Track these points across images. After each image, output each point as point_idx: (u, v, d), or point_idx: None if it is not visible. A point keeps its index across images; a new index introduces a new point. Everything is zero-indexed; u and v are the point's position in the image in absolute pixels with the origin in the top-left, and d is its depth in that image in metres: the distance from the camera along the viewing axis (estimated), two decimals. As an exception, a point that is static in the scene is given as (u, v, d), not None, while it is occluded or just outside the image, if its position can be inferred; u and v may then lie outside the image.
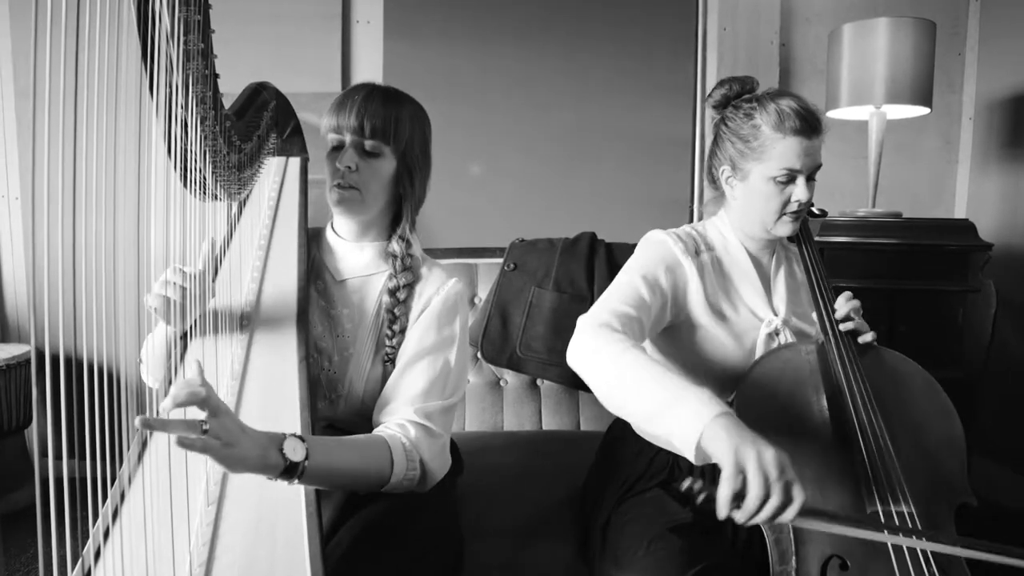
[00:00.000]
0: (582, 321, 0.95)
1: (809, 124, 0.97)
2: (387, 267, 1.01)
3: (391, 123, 0.96)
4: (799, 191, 0.98)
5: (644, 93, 2.24)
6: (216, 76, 0.78)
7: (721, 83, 1.08)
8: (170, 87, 0.67)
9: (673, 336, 1.05)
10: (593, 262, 1.60)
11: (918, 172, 2.38)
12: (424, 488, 0.93)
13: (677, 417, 0.78)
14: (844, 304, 1.00)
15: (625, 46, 2.24)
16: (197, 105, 0.72)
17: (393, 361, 0.97)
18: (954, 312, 1.72)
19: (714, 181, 1.11)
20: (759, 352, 1.00)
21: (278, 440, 0.71)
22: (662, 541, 0.88)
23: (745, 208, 1.04)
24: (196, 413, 0.64)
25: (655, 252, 1.04)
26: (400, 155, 0.99)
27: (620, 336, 0.89)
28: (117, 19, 0.57)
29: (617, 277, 1.03)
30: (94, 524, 0.66)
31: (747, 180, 1.02)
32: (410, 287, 0.99)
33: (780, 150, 0.97)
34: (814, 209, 1.19)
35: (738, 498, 0.71)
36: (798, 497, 0.70)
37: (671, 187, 2.28)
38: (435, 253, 1.16)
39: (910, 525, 0.77)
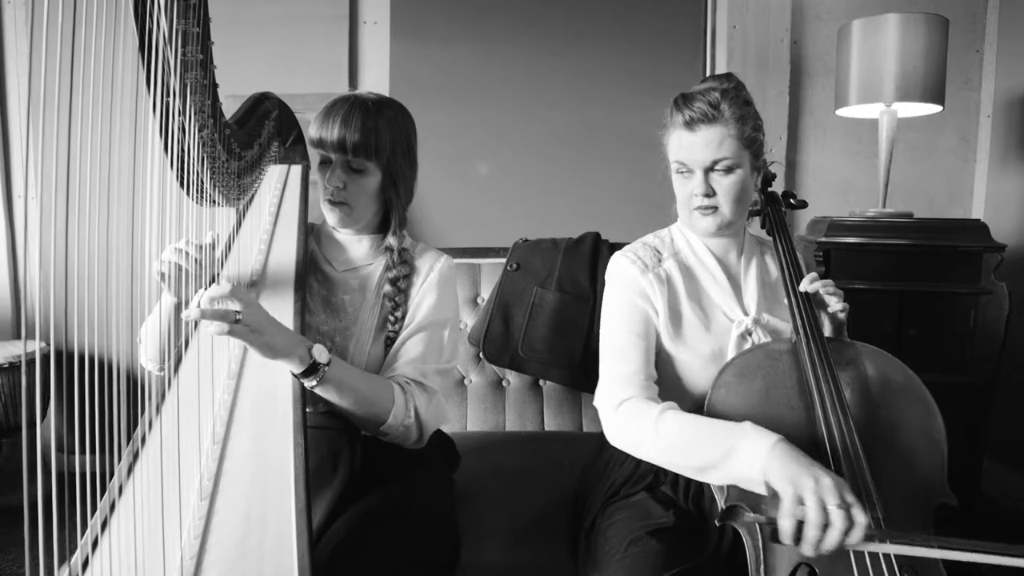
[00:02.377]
0: (601, 404, 0.99)
1: (688, 120, 0.97)
2: (384, 257, 1.09)
3: (372, 138, 1.00)
4: (695, 184, 0.99)
5: (651, 92, 2.23)
6: (216, 86, 0.80)
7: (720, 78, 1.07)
8: (168, 95, 0.69)
9: None
10: (596, 262, 1.60)
11: (934, 171, 2.33)
12: (421, 442, 1.02)
13: (736, 466, 0.81)
14: (809, 284, 0.98)
15: (633, 45, 2.22)
16: (196, 114, 0.74)
17: (395, 341, 1.05)
18: (965, 315, 1.68)
19: None
20: (731, 353, 0.99)
21: (308, 343, 0.86)
22: (640, 544, 0.88)
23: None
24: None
25: (623, 286, 1.05)
26: (384, 167, 1.04)
27: (641, 405, 0.93)
28: (114, 23, 0.59)
29: (606, 329, 1.04)
30: (91, 518, 0.68)
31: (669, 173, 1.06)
32: (408, 277, 1.08)
33: (671, 143, 1.02)
34: (792, 200, 1.17)
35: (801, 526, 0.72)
36: (860, 520, 0.71)
37: (679, 187, 2.27)
38: (439, 253, 1.20)
39: (875, 529, 0.75)
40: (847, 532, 0.70)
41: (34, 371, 1.86)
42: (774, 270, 1.10)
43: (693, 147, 0.97)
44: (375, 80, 2.22)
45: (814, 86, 2.29)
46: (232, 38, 2.13)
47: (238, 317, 0.77)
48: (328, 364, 0.87)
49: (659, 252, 1.07)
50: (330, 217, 1.06)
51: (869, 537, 0.71)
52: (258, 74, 2.09)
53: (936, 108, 1.79)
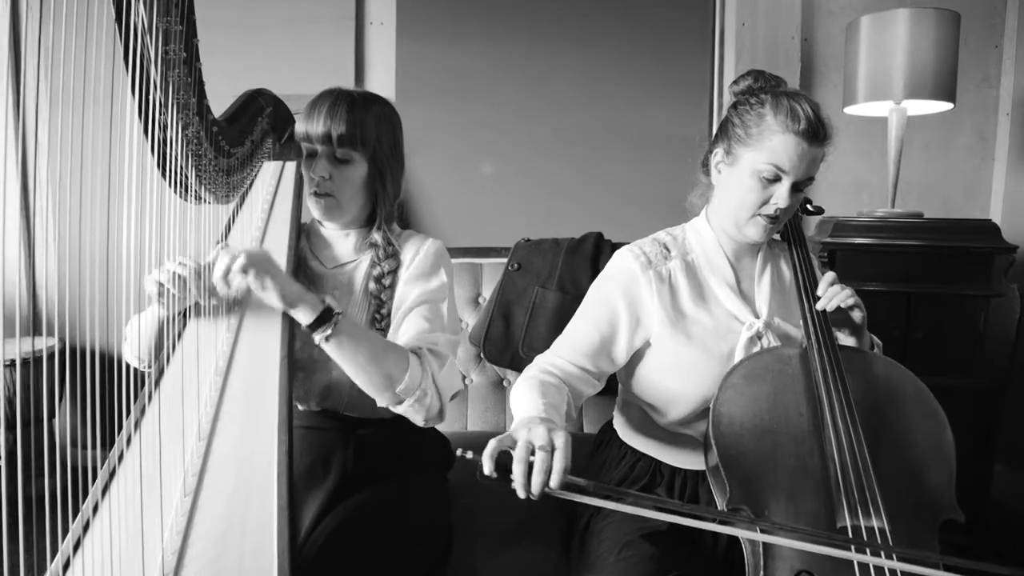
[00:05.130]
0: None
1: (813, 131, 0.91)
2: (371, 252, 1.07)
3: (357, 128, 0.99)
4: (780, 194, 0.94)
5: (659, 91, 2.21)
6: (202, 83, 0.81)
7: (754, 75, 1.04)
8: (147, 92, 0.69)
9: (642, 358, 1.04)
10: (598, 263, 1.58)
11: (950, 171, 2.28)
12: (441, 415, 0.99)
13: None
14: (828, 301, 0.96)
15: (639, 44, 2.21)
16: (179, 112, 0.74)
17: (384, 333, 1.04)
18: (975, 317, 1.64)
19: (705, 165, 1.08)
20: (739, 356, 0.97)
21: (320, 295, 0.89)
22: (634, 547, 0.88)
23: (724, 198, 1.01)
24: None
25: (615, 281, 1.04)
26: (370, 158, 1.03)
27: (530, 369, 1.00)
28: (88, 21, 0.60)
29: (579, 308, 1.06)
30: (73, 518, 0.69)
31: (735, 167, 0.98)
32: (394, 272, 1.06)
33: (775, 144, 0.93)
34: (809, 206, 1.15)
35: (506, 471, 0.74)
36: (559, 463, 0.72)
37: (685, 186, 2.24)
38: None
39: (879, 541, 0.74)
40: (548, 471, 0.72)
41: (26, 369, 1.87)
42: (788, 274, 1.07)
43: (802, 158, 0.92)
44: (381, 80, 2.22)
45: (826, 84, 2.25)
46: (238, 39, 2.16)
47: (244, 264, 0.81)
48: (340, 313, 0.87)
49: (668, 250, 1.05)
50: (315, 210, 1.05)
51: (576, 487, 0.73)
52: (264, 74, 2.10)
53: (947, 106, 1.74)
